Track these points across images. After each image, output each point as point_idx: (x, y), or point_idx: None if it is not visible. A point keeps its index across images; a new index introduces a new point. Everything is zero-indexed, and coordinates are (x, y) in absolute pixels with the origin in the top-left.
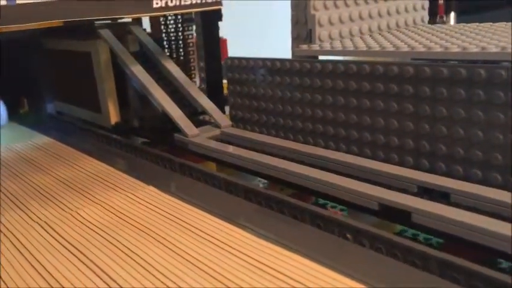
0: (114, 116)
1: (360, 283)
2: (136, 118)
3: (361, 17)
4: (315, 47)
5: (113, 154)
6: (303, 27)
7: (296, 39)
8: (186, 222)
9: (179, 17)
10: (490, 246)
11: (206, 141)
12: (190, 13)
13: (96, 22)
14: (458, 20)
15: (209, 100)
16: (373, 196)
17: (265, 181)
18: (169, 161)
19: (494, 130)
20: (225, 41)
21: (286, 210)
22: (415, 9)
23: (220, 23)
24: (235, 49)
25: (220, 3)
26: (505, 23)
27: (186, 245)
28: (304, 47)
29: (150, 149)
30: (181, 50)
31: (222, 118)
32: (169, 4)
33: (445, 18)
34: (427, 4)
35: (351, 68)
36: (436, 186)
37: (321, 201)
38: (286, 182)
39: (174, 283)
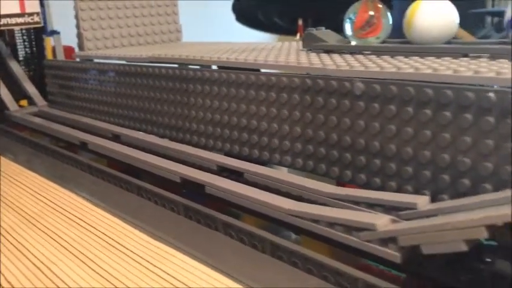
0: None
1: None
2: None
3: (122, 35)
4: (83, 53)
5: None
6: (80, 40)
7: (79, 48)
8: None
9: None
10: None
11: (24, 115)
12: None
13: None
14: None
15: (34, 88)
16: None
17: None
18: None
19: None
20: (73, 49)
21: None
22: (170, 31)
23: None
24: None
25: (39, 23)
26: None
27: None
28: (77, 53)
29: None
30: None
31: (41, 100)
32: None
33: None
34: (180, 28)
35: (108, 66)
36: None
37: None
38: (62, 140)
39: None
